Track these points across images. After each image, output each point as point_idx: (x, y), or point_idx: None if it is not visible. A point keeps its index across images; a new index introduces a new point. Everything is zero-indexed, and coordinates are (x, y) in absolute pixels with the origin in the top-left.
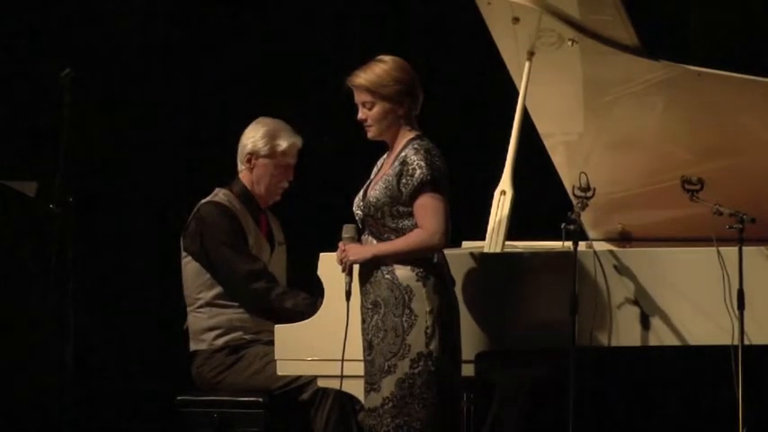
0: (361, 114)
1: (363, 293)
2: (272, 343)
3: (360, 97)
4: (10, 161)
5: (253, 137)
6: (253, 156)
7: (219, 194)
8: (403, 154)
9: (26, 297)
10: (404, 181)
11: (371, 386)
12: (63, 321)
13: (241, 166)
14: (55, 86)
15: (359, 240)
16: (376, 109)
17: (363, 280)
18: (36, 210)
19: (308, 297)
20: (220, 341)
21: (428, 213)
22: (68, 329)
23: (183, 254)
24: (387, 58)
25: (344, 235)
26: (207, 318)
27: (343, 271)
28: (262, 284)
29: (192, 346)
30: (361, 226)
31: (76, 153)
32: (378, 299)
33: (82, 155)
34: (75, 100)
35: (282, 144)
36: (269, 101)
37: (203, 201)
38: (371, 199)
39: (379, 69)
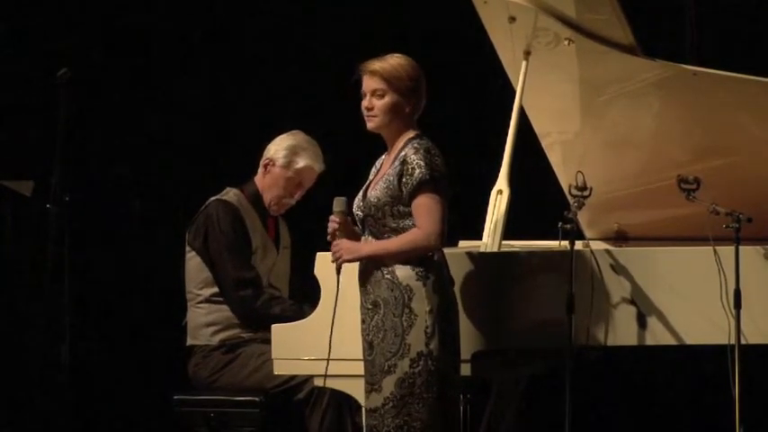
0: (367, 103)
1: (363, 293)
2: (268, 342)
3: (372, 84)
4: (6, 160)
5: (278, 145)
6: (270, 162)
7: (230, 194)
8: (403, 153)
9: (22, 296)
10: (404, 180)
11: (372, 386)
12: (59, 321)
13: (260, 169)
14: (51, 85)
15: (350, 215)
16: (386, 99)
17: (363, 280)
18: (33, 209)
19: (294, 303)
20: (218, 337)
21: (425, 213)
22: (64, 329)
23: (188, 248)
24: (400, 55)
25: (336, 209)
26: (206, 313)
27: (337, 266)
28: (249, 293)
29: (190, 341)
30: (361, 226)
31: (73, 152)
32: (378, 299)
33: (78, 154)
34: (71, 99)
35: (300, 163)
36: (268, 101)
37: (213, 198)
38: (372, 199)
39: (395, 62)
